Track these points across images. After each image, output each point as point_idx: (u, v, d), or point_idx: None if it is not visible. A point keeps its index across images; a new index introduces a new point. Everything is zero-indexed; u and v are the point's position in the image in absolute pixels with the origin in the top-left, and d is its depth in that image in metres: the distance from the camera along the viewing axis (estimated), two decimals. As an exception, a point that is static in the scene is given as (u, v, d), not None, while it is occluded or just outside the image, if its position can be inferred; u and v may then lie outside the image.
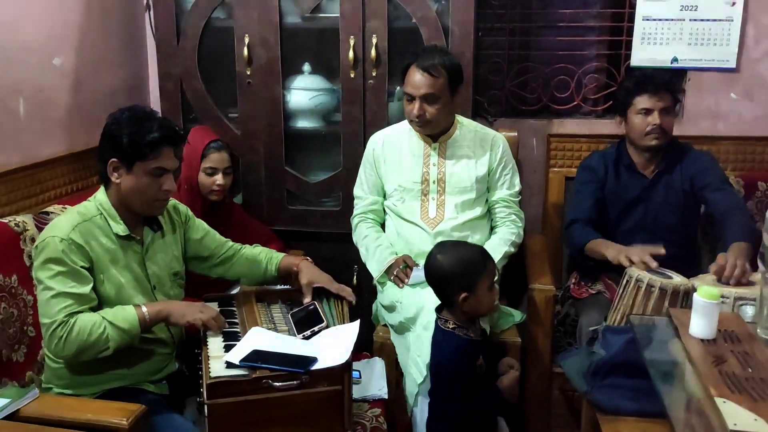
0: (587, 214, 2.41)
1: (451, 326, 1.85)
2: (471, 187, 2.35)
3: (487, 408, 1.85)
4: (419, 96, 2.23)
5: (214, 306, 1.98)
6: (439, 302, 1.92)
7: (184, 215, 2.05)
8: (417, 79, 2.22)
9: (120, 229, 1.82)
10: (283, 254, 2.15)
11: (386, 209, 2.45)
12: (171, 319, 1.81)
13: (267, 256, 2.12)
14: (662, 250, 2.10)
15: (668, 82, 2.41)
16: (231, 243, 2.13)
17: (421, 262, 2.21)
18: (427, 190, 2.35)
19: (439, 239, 2.20)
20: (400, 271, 2.25)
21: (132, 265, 1.85)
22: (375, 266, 2.33)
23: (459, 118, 2.40)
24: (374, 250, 2.36)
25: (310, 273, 2.05)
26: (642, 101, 2.35)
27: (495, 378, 1.89)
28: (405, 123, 2.39)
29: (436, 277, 1.87)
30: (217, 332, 1.82)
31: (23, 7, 2.28)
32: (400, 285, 2.23)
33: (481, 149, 2.38)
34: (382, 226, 2.48)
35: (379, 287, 2.37)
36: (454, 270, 1.82)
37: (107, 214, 1.81)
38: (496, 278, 2.00)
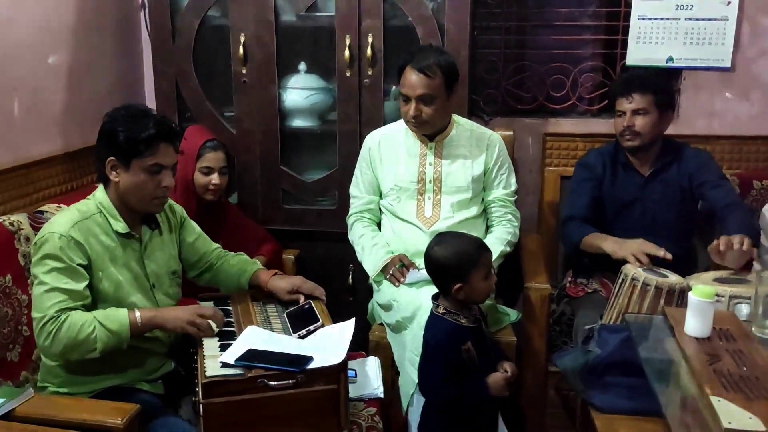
0: (584, 211, 2.41)
1: (441, 311, 1.88)
2: (467, 187, 2.34)
3: (470, 394, 1.84)
4: (415, 97, 2.22)
5: (210, 305, 1.98)
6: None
7: (179, 216, 2.04)
8: (413, 80, 2.21)
9: (120, 226, 1.81)
10: (256, 267, 2.10)
11: (382, 208, 2.45)
12: (168, 327, 1.81)
13: (241, 269, 2.09)
14: (667, 255, 2.09)
15: (644, 84, 2.38)
16: (219, 249, 2.12)
17: (418, 262, 2.22)
18: (423, 190, 2.35)
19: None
20: (396, 270, 2.25)
21: (131, 264, 1.85)
22: (371, 265, 2.33)
23: (455, 117, 2.40)
24: (370, 249, 2.35)
25: (282, 286, 2.02)
26: (619, 103, 2.40)
27: (489, 372, 1.90)
28: (401, 122, 2.39)
29: (432, 267, 1.91)
30: (221, 325, 1.83)
31: (18, 6, 2.27)
32: (396, 284, 2.23)
33: (478, 149, 2.38)
34: (378, 225, 2.47)
35: (375, 286, 2.36)
36: (449, 262, 1.85)
37: (107, 213, 1.81)
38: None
